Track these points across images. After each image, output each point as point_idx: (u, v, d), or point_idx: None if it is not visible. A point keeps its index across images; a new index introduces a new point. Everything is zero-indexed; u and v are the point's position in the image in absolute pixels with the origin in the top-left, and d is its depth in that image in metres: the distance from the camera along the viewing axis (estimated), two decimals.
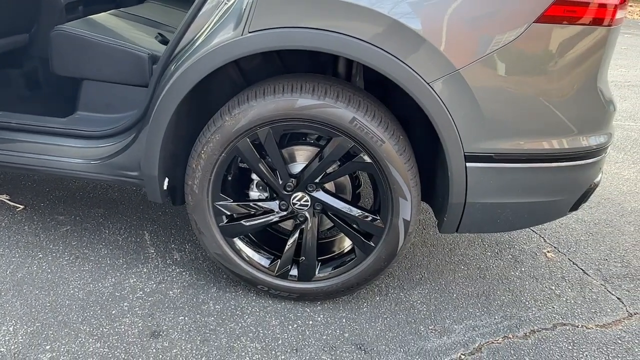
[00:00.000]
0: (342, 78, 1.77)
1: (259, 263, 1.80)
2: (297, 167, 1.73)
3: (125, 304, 1.77)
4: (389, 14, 1.43)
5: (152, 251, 2.06)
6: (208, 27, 1.58)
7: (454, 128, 1.52)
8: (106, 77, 1.93)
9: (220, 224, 1.75)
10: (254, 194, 1.82)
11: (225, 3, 1.56)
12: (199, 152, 1.65)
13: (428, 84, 1.47)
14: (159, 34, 1.94)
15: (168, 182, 1.78)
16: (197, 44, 1.59)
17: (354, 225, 1.73)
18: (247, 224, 1.75)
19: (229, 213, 1.75)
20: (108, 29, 2.04)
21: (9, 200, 2.30)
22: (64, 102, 1.98)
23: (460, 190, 1.60)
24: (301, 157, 1.74)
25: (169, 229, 2.21)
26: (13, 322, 1.65)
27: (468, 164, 1.57)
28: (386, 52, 1.45)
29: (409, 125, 1.73)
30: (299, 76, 1.63)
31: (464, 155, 1.55)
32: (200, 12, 1.61)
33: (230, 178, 1.77)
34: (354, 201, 1.81)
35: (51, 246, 2.03)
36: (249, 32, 1.48)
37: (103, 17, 2.16)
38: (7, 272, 1.87)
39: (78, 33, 1.88)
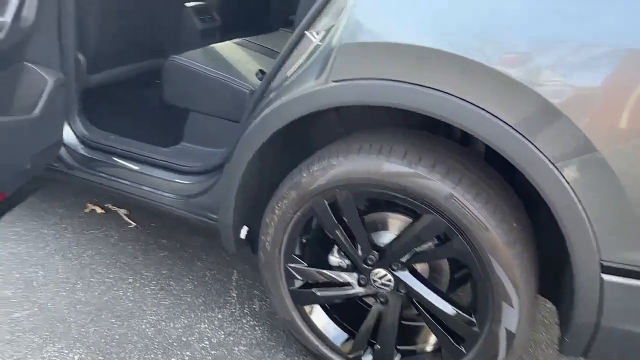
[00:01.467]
0: (457, 140, 1.45)
1: (329, 339, 1.56)
2: (382, 237, 1.45)
3: (187, 352, 1.67)
4: (520, 79, 1.09)
5: (234, 295, 1.95)
6: (298, 67, 1.40)
7: (587, 226, 1.11)
8: (211, 110, 1.88)
9: (291, 288, 1.55)
10: (335, 259, 1.58)
11: (316, 40, 1.36)
12: (274, 206, 1.47)
13: (554, 165, 1.10)
14: (260, 70, 1.83)
15: (247, 230, 1.64)
16: (284, 86, 1.42)
17: (443, 321, 1.39)
18: (320, 294, 1.53)
19: (301, 278, 1.54)
20: (223, 60, 1.99)
21: (126, 215, 2.39)
22: (174, 130, 1.97)
23: (591, 309, 1.18)
24: (388, 226, 1.46)
25: (258, 271, 2.08)
26: (80, 350, 1.65)
27: (605, 277, 1.14)
28: (504, 122, 1.11)
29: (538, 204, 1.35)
30: (393, 133, 1.36)
31: (600, 264, 1.13)
32: (295, 49, 1.43)
33: (309, 237, 1.56)
34: (449, 289, 1.47)
35: (143, 271, 2.04)
36: (333, 82, 1.26)
37: (224, 47, 2.13)
38: (96, 293, 1.91)
39: (188, 64, 1.85)
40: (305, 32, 1.35)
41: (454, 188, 1.23)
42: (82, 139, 1.90)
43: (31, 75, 1.52)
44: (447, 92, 1.14)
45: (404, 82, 1.18)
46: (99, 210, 2.40)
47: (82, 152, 1.89)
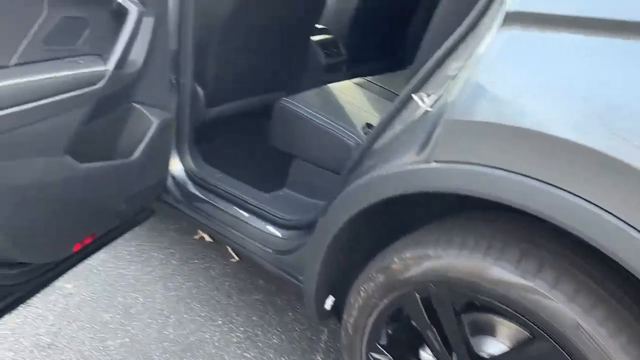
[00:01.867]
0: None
1: None
2: (484, 344, 1.18)
3: None
4: None
5: (319, 359, 1.79)
6: (401, 133, 1.19)
7: None
8: (314, 159, 1.75)
9: None
10: (427, 357, 1.34)
11: (424, 105, 1.14)
12: (359, 287, 1.28)
13: None
14: (367, 124, 1.65)
15: (334, 300, 1.47)
16: (383, 153, 1.22)
17: None
18: None
19: None
20: (336, 105, 1.85)
21: (231, 248, 2.37)
22: (278, 175, 1.88)
23: None
24: (493, 333, 1.18)
25: None
26: None
27: None
28: None
29: None
30: (510, 225, 1.09)
31: None
32: (402, 111, 1.23)
33: (397, 327, 1.34)
34: None
35: (234, 314, 1.98)
36: (435, 162, 1.04)
37: (342, 88, 1.99)
38: (185, 332, 1.88)
39: (296, 108, 1.74)
40: (413, 95, 1.14)
41: (586, 315, 0.93)
42: (189, 174, 1.89)
43: (137, 117, 1.53)
44: (588, 201, 0.86)
45: (530, 177, 0.91)
46: (207, 238, 2.41)
47: (188, 187, 1.88)
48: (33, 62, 1.15)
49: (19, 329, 1.83)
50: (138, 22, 1.36)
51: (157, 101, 1.59)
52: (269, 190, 1.84)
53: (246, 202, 1.75)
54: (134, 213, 1.73)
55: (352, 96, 1.94)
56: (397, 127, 1.20)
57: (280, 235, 1.62)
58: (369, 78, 2.14)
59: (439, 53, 1.11)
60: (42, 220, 1.21)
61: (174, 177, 1.90)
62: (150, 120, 1.54)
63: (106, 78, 1.27)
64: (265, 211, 1.70)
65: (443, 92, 1.09)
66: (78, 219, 1.34)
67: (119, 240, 2.34)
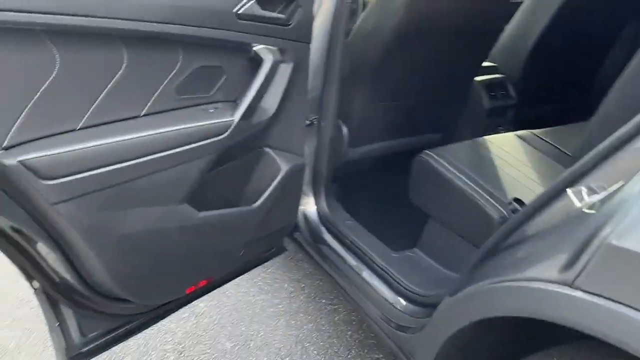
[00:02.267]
0: None
1: None
2: None
3: None
4: None
5: None
6: (544, 232, 0.95)
7: None
8: (451, 224, 1.54)
9: None
10: None
11: (579, 204, 0.87)
12: None
13: None
14: (514, 199, 1.36)
15: None
16: (518, 253, 0.98)
17: None
18: None
19: None
20: (488, 163, 1.61)
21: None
22: (412, 233, 1.71)
23: None
24: None
25: None
26: None
27: None
28: None
29: None
30: None
31: None
32: (552, 203, 0.98)
33: None
34: None
35: None
36: (581, 291, 0.78)
37: (500, 142, 1.74)
38: None
39: (437, 165, 1.54)
40: (568, 189, 0.89)
41: None
42: (321, 217, 1.82)
43: (266, 162, 1.49)
44: None
45: None
46: None
47: (318, 230, 1.81)
48: (162, 111, 1.17)
49: (152, 339, 1.95)
50: (272, 71, 1.31)
51: (290, 146, 1.55)
52: (399, 248, 1.68)
53: (371, 259, 1.62)
54: (260, 252, 1.71)
55: (511, 153, 1.67)
56: (543, 222, 0.95)
57: (400, 308, 1.45)
58: (537, 131, 1.83)
59: (625, 129, 0.83)
60: (152, 265, 1.24)
61: (306, 217, 1.85)
62: (279, 167, 1.50)
63: (231, 128, 1.25)
64: (390, 275, 1.55)
65: (616, 191, 0.82)
66: (191, 264, 1.35)
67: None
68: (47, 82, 0.94)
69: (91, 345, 1.35)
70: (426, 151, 1.61)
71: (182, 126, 1.17)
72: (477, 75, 2.12)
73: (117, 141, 1.06)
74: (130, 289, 1.22)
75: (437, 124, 2.14)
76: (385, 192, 2.06)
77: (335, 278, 1.71)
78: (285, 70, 1.39)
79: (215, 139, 1.23)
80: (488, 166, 1.58)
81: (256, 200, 1.46)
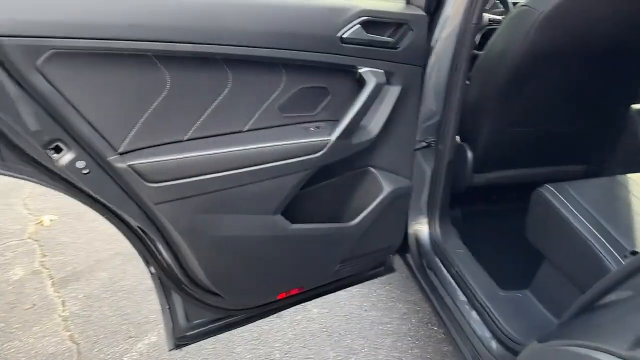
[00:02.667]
0: None
1: None
2: None
3: None
4: None
5: None
6: (622, 300, 0.81)
7: None
8: (566, 270, 1.38)
9: None
10: None
11: None
12: None
13: None
14: (632, 252, 1.14)
15: None
16: (596, 321, 0.85)
17: None
18: None
19: None
20: (623, 205, 1.40)
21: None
22: (524, 271, 1.57)
23: None
24: None
25: None
26: None
27: None
28: None
29: None
30: None
31: None
32: None
33: None
34: None
35: None
36: None
37: None
38: None
39: (556, 201, 1.39)
40: None
41: None
42: (433, 242, 1.77)
43: (370, 182, 1.50)
44: None
45: None
46: None
47: (428, 255, 1.76)
48: (264, 128, 1.27)
49: (264, 335, 2.09)
50: (375, 93, 1.32)
51: (396, 168, 1.54)
52: (508, 286, 1.55)
53: (474, 294, 1.53)
54: (364, 270, 1.73)
55: None
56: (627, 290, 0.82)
57: (493, 352, 1.35)
58: None
59: None
60: (242, 267, 1.34)
61: (417, 240, 1.82)
62: (382, 187, 1.50)
63: (327, 147, 1.29)
64: (490, 314, 1.44)
65: None
66: (281, 272, 1.42)
67: (375, 280, 2.41)
68: (159, 100, 1.09)
69: (195, 331, 1.51)
70: (547, 185, 1.46)
71: (280, 142, 1.25)
72: (635, 103, 1.85)
73: (216, 153, 1.18)
74: (221, 285, 1.35)
75: (581, 154, 1.92)
76: (507, 224, 1.91)
77: (435, 305, 1.65)
78: (392, 92, 1.40)
79: (311, 156, 1.29)
80: (619, 208, 1.37)
81: (354, 218, 1.48)
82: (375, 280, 2.42)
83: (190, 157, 1.15)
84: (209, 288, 1.37)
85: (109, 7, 0.97)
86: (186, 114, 1.15)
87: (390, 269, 1.86)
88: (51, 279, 2.43)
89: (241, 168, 1.22)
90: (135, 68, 1.04)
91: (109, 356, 1.97)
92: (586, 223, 1.31)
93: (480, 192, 1.94)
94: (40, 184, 1.12)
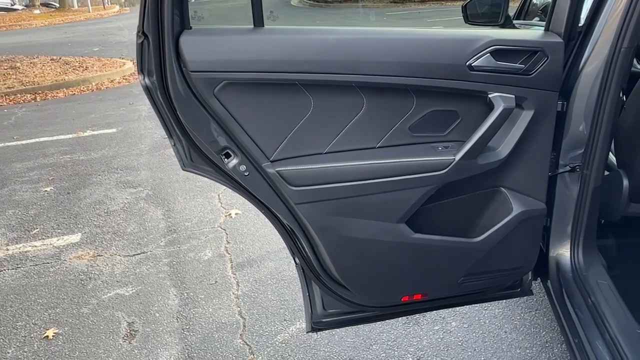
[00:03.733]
0: None
1: None
2: None
3: None
4: None
5: None
6: None
7: None
8: None
9: None
10: None
11: None
12: None
13: None
14: None
15: None
16: None
17: None
18: None
19: None
20: None
21: None
22: None
23: None
24: None
25: None
26: None
27: None
28: None
29: None
30: None
31: None
32: None
33: None
34: None
35: None
36: None
37: None
38: None
39: None
40: None
41: None
42: (573, 269, 1.72)
43: (500, 201, 1.54)
44: None
45: None
46: None
47: (567, 282, 1.72)
48: (395, 145, 1.44)
49: (400, 338, 2.23)
50: (503, 116, 1.39)
51: (528, 190, 1.56)
52: None
53: (608, 330, 1.47)
54: (496, 289, 1.76)
55: None
56: None
57: None
58: None
59: None
60: (369, 267, 1.50)
61: (558, 265, 1.78)
62: (511, 207, 1.54)
63: (451, 166, 1.40)
64: (621, 351, 1.38)
65: None
66: (404, 276, 1.55)
67: (521, 304, 2.38)
68: (303, 119, 1.34)
69: (330, 319, 1.73)
70: None
71: (407, 159, 1.41)
72: None
73: (349, 165, 1.38)
74: (349, 280, 1.54)
75: None
76: None
77: (568, 334, 1.61)
78: (524, 116, 1.45)
79: (435, 173, 1.42)
80: None
81: (481, 235, 1.55)
82: (521, 304, 2.39)
83: (327, 167, 1.38)
84: (340, 281, 1.58)
85: (264, 48, 1.26)
86: (326, 132, 1.38)
87: (526, 292, 1.85)
88: (231, 262, 2.90)
89: (370, 179, 1.40)
90: (285, 94, 1.31)
91: (266, 332, 2.31)
92: None
93: (637, 223, 1.82)
94: (219, 182, 1.45)
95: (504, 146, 1.47)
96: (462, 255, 1.56)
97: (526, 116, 1.44)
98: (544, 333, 2.20)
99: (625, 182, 1.77)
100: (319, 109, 1.34)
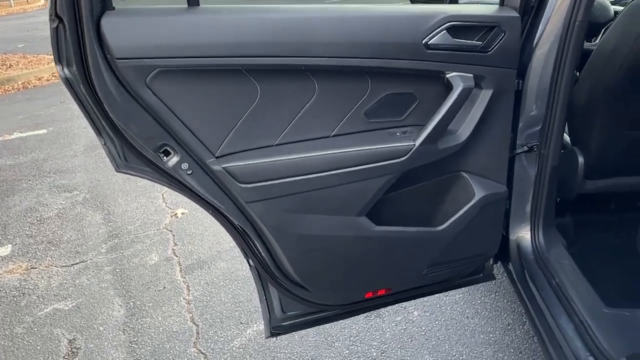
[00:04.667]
0: None
1: None
2: None
3: None
4: None
5: None
6: None
7: None
8: None
9: None
10: None
11: None
12: None
13: None
14: None
15: None
16: None
17: None
18: None
19: None
20: None
21: None
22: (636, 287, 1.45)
23: None
24: None
25: None
26: None
27: None
28: None
29: None
30: None
31: None
32: None
33: None
34: None
35: None
36: None
37: None
38: None
39: None
40: None
41: None
42: (535, 251, 1.69)
43: (461, 187, 1.48)
44: None
45: None
46: None
47: (528, 264, 1.68)
48: (350, 133, 1.33)
49: (362, 333, 2.15)
50: (462, 97, 1.31)
51: (489, 173, 1.50)
52: (614, 304, 1.43)
53: (575, 310, 1.44)
54: (460, 276, 1.71)
55: None
56: None
57: None
58: None
59: None
60: (328, 264, 1.40)
61: (519, 248, 1.75)
62: (473, 192, 1.48)
63: (411, 152, 1.31)
64: (590, 332, 1.35)
65: None
66: (367, 271, 1.46)
67: (481, 288, 2.36)
68: (250, 109, 1.21)
69: (290, 322, 1.62)
70: None
71: (365, 147, 1.31)
72: None
73: (303, 157, 1.27)
74: (309, 280, 1.43)
75: None
76: (621, 236, 1.75)
77: (533, 316, 1.57)
78: (483, 96, 1.38)
79: (395, 160, 1.32)
80: None
81: (444, 223, 1.48)
82: (481, 288, 2.36)
83: (279, 160, 1.25)
84: (298, 282, 1.47)
85: (201, 30, 1.11)
86: (275, 122, 1.25)
87: (489, 277, 1.80)
88: (180, 265, 2.73)
89: (326, 171, 1.29)
90: (228, 81, 1.17)
91: (222, 338, 2.17)
92: None
93: (593, 200, 1.81)
94: (160, 183, 1.30)
95: (464, 128, 1.39)
96: (426, 246, 1.49)
97: (485, 96, 1.37)
98: (505, 316, 2.18)
99: (581, 160, 1.75)
100: (266, 97, 1.22)
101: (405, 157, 1.32)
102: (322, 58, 1.21)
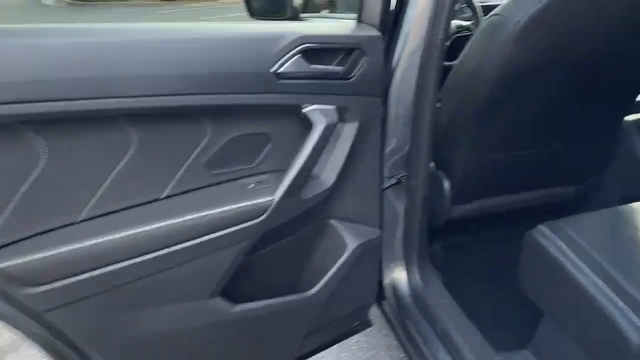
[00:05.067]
0: None
1: None
2: None
3: None
4: None
5: None
6: None
7: None
8: (570, 331, 1.14)
9: None
10: None
11: None
12: None
13: None
14: None
15: None
16: None
17: None
18: None
19: None
20: (631, 244, 1.17)
21: None
22: (523, 328, 1.34)
23: None
24: None
25: None
26: None
27: None
28: None
29: None
30: None
31: None
32: None
33: None
34: None
35: None
36: None
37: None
38: None
39: (549, 245, 1.16)
40: None
41: None
42: (412, 290, 1.52)
43: (330, 237, 1.26)
44: None
45: None
46: None
47: (406, 306, 1.51)
48: (188, 191, 1.01)
49: None
50: (325, 135, 1.07)
51: (362, 216, 1.29)
52: (504, 346, 1.31)
53: (465, 358, 1.28)
54: (337, 334, 1.48)
55: None
56: None
57: None
58: None
59: None
60: None
61: (394, 288, 1.57)
62: (344, 243, 1.25)
63: (270, 210, 1.04)
64: None
65: None
66: None
67: None
68: (34, 175, 0.82)
69: None
70: (540, 226, 1.23)
71: (210, 211, 0.99)
72: (629, 114, 1.64)
73: (123, 235, 0.91)
74: None
75: (570, 175, 1.70)
76: (497, 266, 1.68)
77: None
78: (348, 131, 1.15)
79: (251, 223, 1.03)
80: (631, 251, 1.14)
81: (316, 284, 1.23)
82: None
83: (88, 244, 0.88)
84: None
85: None
86: (76, 190, 0.88)
87: (366, 324, 1.60)
88: None
89: (160, 250, 0.95)
90: None
91: None
92: (590, 273, 1.07)
93: (461, 225, 1.71)
94: None
95: (329, 170, 1.15)
96: (298, 316, 1.22)
97: (350, 130, 1.15)
98: (382, 353, 2.02)
99: (447, 184, 1.63)
100: (58, 157, 0.84)
101: (264, 215, 1.04)
102: (137, 98, 0.87)
